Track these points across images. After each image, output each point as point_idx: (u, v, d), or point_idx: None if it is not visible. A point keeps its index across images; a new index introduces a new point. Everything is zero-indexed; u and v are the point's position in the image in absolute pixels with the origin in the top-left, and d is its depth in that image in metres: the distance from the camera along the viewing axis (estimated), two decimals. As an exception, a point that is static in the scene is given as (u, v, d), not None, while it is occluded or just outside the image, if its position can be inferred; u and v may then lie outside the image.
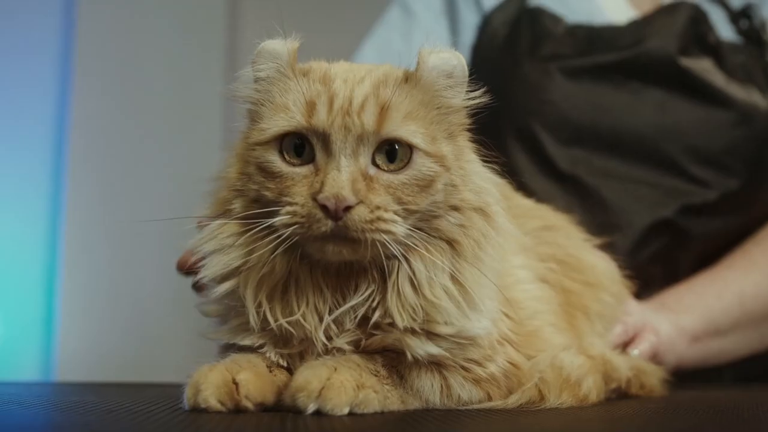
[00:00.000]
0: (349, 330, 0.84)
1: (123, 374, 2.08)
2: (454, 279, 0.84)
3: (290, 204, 0.81)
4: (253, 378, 0.81)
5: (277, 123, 0.84)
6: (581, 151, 1.43)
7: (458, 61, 0.87)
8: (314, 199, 0.80)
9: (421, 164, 0.83)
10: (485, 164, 0.91)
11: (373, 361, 0.84)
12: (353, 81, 0.85)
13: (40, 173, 2.15)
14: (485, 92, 0.88)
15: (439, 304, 0.83)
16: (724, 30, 1.49)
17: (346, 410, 0.77)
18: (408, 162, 0.83)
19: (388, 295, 0.83)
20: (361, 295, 0.84)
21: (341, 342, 0.84)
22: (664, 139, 1.42)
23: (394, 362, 0.85)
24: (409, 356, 0.84)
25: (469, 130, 0.91)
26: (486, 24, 1.53)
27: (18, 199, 2.08)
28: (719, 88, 1.42)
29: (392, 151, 0.82)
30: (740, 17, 1.50)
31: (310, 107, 0.83)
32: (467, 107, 0.88)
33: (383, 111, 0.82)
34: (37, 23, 2.15)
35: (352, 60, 1.48)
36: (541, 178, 1.41)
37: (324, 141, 0.82)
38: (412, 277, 0.83)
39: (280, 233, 0.82)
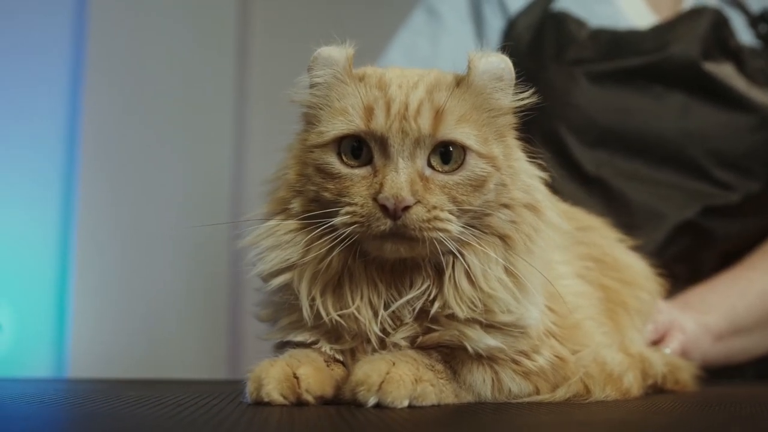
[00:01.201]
0: (407, 324, 0.87)
1: (135, 371, 2.09)
2: (508, 271, 0.87)
3: (350, 204, 0.84)
4: (312, 372, 0.84)
5: (336, 126, 0.87)
6: (606, 153, 1.46)
7: (506, 64, 0.91)
8: (374, 200, 0.83)
9: (474, 165, 0.86)
10: (531, 161, 0.94)
11: (428, 356, 0.87)
12: (407, 86, 0.88)
13: (53, 172, 2.14)
14: (534, 93, 0.92)
15: (496, 294, 0.86)
16: (744, 34, 1.52)
17: (405, 403, 0.80)
18: (462, 163, 0.86)
19: (445, 289, 0.86)
20: (418, 289, 0.86)
21: (399, 337, 0.87)
22: (688, 143, 1.45)
23: (448, 358, 0.88)
24: (470, 349, 0.87)
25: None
26: (511, 28, 1.56)
27: (30, 198, 2.07)
28: (741, 93, 1.44)
29: (447, 153, 0.86)
30: (759, 21, 1.53)
31: (368, 112, 0.86)
32: (516, 108, 0.91)
33: (438, 115, 0.85)
34: (48, 23, 2.15)
35: (377, 64, 1.49)
36: (566, 181, 1.44)
37: (382, 144, 0.85)
38: (468, 270, 0.86)
39: (339, 232, 0.85)
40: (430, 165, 0.85)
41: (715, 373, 1.33)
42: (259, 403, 0.83)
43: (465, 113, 0.87)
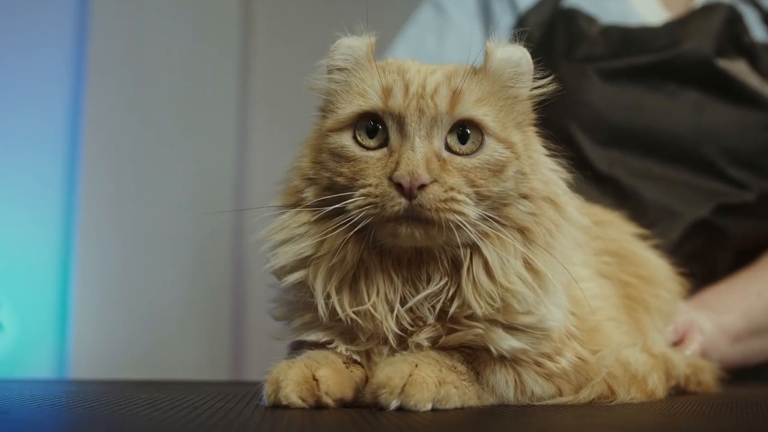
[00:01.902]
0: (430, 325, 0.85)
1: (137, 372, 2.08)
2: (527, 265, 0.85)
3: (364, 186, 0.82)
4: (332, 374, 0.81)
5: (353, 105, 0.86)
6: (618, 152, 1.44)
7: (523, 53, 0.90)
8: (389, 179, 0.81)
9: (493, 149, 0.84)
10: (553, 158, 0.93)
11: (450, 357, 0.84)
12: (426, 72, 0.87)
13: (55, 172, 2.13)
14: (552, 81, 0.91)
15: (515, 289, 0.84)
16: (758, 31, 1.51)
17: (429, 406, 0.78)
18: (480, 146, 0.84)
19: (463, 284, 0.84)
20: (436, 285, 0.84)
21: (422, 337, 0.85)
22: (701, 141, 1.43)
23: (470, 359, 0.86)
24: (493, 351, 0.85)
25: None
26: (521, 25, 1.54)
27: (32, 197, 2.07)
28: (755, 90, 1.43)
29: (464, 135, 0.84)
30: None
31: (387, 92, 0.85)
32: (534, 97, 0.91)
33: (455, 95, 0.84)
34: (50, 22, 2.14)
35: (382, 58, 1.48)
36: (578, 180, 1.42)
37: (399, 123, 0.83)
38: (486, 263, 0.84)
39: (352, 216, 0.82)
40: (447, 148, 0.84)
41: (732, 374, 1.32)
42: (277, 406, 0.80)
43: (483, 96, 0.86)
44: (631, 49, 1.47)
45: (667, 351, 1.07)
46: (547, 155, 0.92)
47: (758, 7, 1.52)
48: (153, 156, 2.32)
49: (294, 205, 0.88)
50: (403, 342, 0.86)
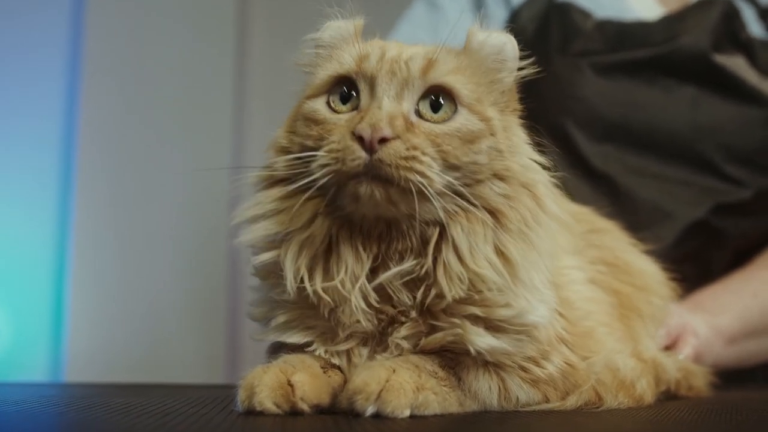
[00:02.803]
0: (409, 322, 0.82)
1: (133, 374, 2.07)
2: (498, 251, 0.82)
3: (329, 144, 0.81)
4: (308, 379, 0.79)
5: (329, 70, 0.86)
6: (613, 148, 1.42)
7: (508, 39, 0.88)
8: (352, 133, 0.79)
9: (465, 119, 0.82)
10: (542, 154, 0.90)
11: (431, 361, 0.82)
12: (405, 47, 0.87)
13: (50, 172, 2.13)
14: (531, 64, 0.89)
15: (483, 273, 0.80)
16: (755, 26, 1.48)
17: (407, 412, 0.75)
18: (452, 116, 0.82)
19: (429, 263, 0.81)
20: (406, 263, 0.81)
21: (401, 336, 0.82)
22: (698, 137, 1.41)
23: (452, 363, 0.83)
24: (472, 351, 0.81)
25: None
26: (514, 19, 1.52)
27: (27, 198, 2.06)
28: (753, 86, 1.41)
29: (437, 104, 0.82)
30: None
31: (363, 57, 0.84)
32: (518, 81, 0.89)
33: (430, 62, 0.83)
34: (45, 22, 2.14)
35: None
36: (572, 177, 1.40)
37: (371, 85, 0.83)
38: (453, 245, 0.81)
39: (315, 176, 0.80)
40: (419, 114, 0.82)
41: (726, 376, 1.29)
42: (251, 412, 0.78)
43: (460, 68, 0.84)
44: (626, 43, 1.45)
45: (658, 356, 1.04)
46: (536, 150, 0.89)
47: (755, 3, 1.50)
48: (149, 157, 2.31)
49: (267, 180, 0.87)
50: (383, 342, 0.83)
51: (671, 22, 1.46)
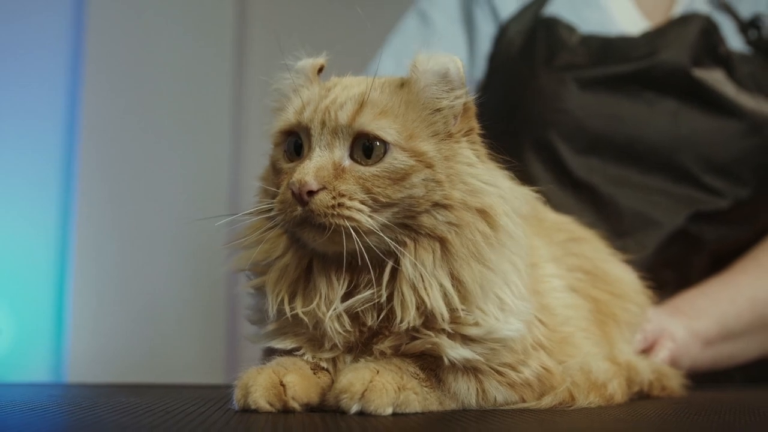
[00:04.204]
0: (394, 333, 0.87)
1: (134, 375, 2.10)
2: (453, 276, 0.87)
3: (280, 194, 0.88)
4: (299, 380, 0.85)
5: (280, 122, 0.92)
6: (597, 159, 1.46)
7: (454, 64, 0.89)
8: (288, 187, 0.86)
9: (394, 158, 0.86)
10: (504, 169, 0.94)
11: (413, 364, 0.87)
12: (351, 86, 0.90)
13: (51, 173, 2.14)
14: (479, 93, 0.93)
15: (432, 304, 0.85)
16: (734, 40, 1.53)
17: (389, 410, 0.81)
18: (383, 157, 0.86)
19: (383, 293, 0.86)
20: (367, 291, 0.87)
21: (386, 345, 0.87)
22: (678, 149, 1.45)
23: (433, 366, 0.89)
24: (446, 360, 0.87)
25: (484, 137, 0.94)
26: (502, 34, 1.56)
27: (28, 199, 2.08)
28: (730, 99, 1.45)
29: (369, 148, 0.86)
30: (749, 27, 1.53)
31: (300, 110, 0.90)
32: (461, 108, 0.90)
33: (359, 108, 0.87)
34: (46, 22, 2.15)
35: (367, 69, 1.50)
36: (555, 187, 1.44)
37: (307, 136, 0.88)
38: (406, 274, 0.86)
39: (274, 221, 0.88)
40: (353, 159, 0.86)
41: (703, 377, 1.34)
42: (246, 410, 0.84)
43: (390, 107, 0.87)
44: (609, 58, 1.50)
45: (633, 359, 1.09)
46: (500, 167, 0.93)
47: (735, 17, 1.54)
48: (149, 158, 2.33)
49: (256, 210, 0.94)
50: (367, 351, 0.88)
51: (653, 37, 1.50)
